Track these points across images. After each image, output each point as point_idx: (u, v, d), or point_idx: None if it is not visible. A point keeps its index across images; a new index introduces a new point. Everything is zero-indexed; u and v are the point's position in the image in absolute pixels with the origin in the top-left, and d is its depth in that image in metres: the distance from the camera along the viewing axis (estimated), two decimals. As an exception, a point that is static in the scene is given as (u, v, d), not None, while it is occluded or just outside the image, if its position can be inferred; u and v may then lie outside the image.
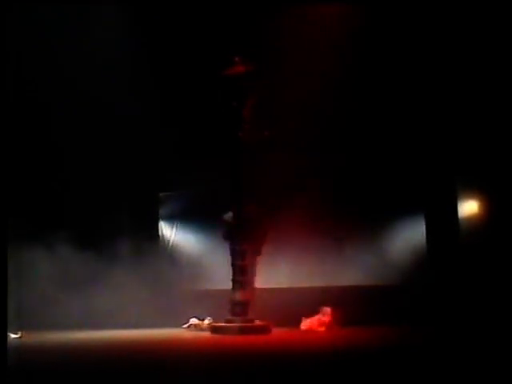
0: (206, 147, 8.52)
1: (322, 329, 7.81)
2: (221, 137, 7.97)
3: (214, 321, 7.91)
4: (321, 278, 8.88)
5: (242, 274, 7.68)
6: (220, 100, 7.86)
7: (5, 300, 4.07)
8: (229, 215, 7.93)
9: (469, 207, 8.86)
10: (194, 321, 8.18)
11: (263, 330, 7.39)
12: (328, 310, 8.00)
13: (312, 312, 8.11)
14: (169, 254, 9.52)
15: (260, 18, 8.27)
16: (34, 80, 8.21)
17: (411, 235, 9.11)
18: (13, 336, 7.13)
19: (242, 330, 7.22)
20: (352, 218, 9.01)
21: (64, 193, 8.98)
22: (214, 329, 7.57)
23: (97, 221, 8.92)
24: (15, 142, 7.38)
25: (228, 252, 7.79)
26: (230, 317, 7.55)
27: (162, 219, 9.73)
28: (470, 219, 8.74)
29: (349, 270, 8.98)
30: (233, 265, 7.73)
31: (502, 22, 7.52)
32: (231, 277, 7.70)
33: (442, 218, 8.96)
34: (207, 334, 7.55)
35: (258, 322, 7.55)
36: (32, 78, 8.20)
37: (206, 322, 8.09)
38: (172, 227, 9.70)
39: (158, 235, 9.66)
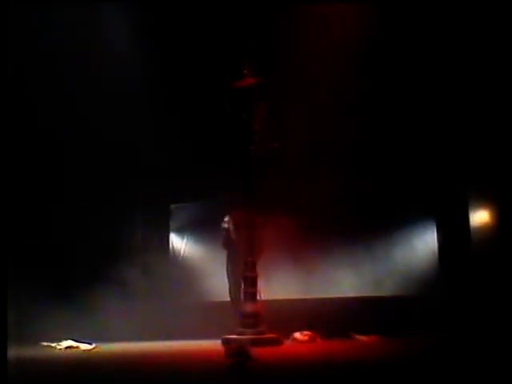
0: (217, 160, 8.58)
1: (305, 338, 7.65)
2: (231, 149, 7.95)
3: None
4: (328, 289, 8.89)
5: (252, 285, 7.61)
6: (230, 113, 7.80)
7: (5, 307, 4.06)
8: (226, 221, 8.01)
9: (480, 216, 8.83)
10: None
11: (275, 341, 7.29)
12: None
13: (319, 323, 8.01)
14: (179, 266, 9.55)
15: (269, 28, 8.29)
16: (38, 86, 8.12)
17: (422, 245, 9.13)
18: (85, 347, 7.09)
19: (254, 342, 7.05)
20: (362, 227, 9.02)
21: (71, 205, 8.91)
22: (225, 341, 7.49)
23: (105, 234, 8.95)
24: (21, 149, 7.41)
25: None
26: (240, 329, 7.45)
27: (172, 231, 9.77)
28: (482, 228, 8.71)
29: (357, 281, 8.98)
30: (244, 276, 7.66)
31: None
32: (242, 288, 7.64)
33: (454, 227, 8.94)
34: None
35: (269, 334, 7.48)
36: (37, 85, 8.12)
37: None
38: (182, 239, 9.75)
39: (169, 247, 9.71)
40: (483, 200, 8.79)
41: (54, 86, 8.16)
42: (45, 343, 7.23)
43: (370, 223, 9.13)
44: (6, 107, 4.70)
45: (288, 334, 7.69)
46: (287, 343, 7.39)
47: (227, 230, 8.18)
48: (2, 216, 4.34)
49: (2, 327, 4.08)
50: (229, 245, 8.16)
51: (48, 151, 8.73)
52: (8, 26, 4.62)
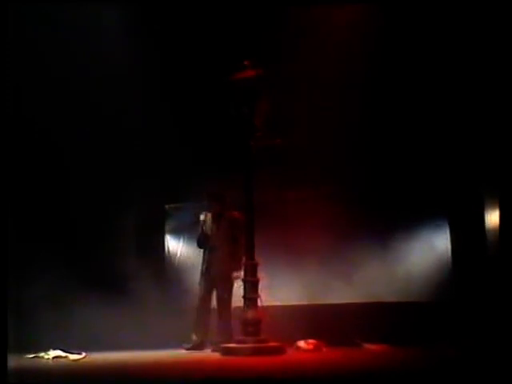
0: (215, 157, 8.41)
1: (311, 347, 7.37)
2: (231, 145, 7.63)
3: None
4: (337, 294, 8.60)
5: (253, 291, 7.19)
6: (230, 107, 7.44)
7: (5, 314, 4.02)
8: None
9: (496, 216, 8.49)
10: None
11: (278, 350, 6.86)
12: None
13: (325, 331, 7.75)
14: (175, 268, 9.35)
15: (271, 19, 8.09)
16: (33, 84, 7.91)
17: (435, 248, 8.83)
18: (74, 357, 6.69)
19: (256, 351, 6.69)
20: (370, 229, 8.76)
21: (69, 206, 8.73)
22: (225, 350, 7.06)
23: (100, 236, 8.72)
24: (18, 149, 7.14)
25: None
26: (241, 337, 7.04)
27: (168, 232, 9.59)
28: (498, 230, 8.40)
29: (366, 286, 8.65)
30: (244, 281, 7.25)
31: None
32: (242, 294, 7.22)
33: (468, 229, 8.67)
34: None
35: (271, 343, 7.05)
36: (32, 82, 7.90)
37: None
38: (178, 241, 9.55)
39: (164, 249, 9.53)
40: (499, 199, 8.44)
41: (52, 86, 8.03)
42: (31, 355, 6.81)
43: (379, 225, 8.87)
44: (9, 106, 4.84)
45: (291, 342, 7.39)
46: (290, 352, 7.05)
47: (202, 226, 7.80)
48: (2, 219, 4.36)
49: (2, 333, 4.06)
50: (205, 243, 7.80)
51: (45, 151, 8.58)
52: (8, 26, 4.65)
